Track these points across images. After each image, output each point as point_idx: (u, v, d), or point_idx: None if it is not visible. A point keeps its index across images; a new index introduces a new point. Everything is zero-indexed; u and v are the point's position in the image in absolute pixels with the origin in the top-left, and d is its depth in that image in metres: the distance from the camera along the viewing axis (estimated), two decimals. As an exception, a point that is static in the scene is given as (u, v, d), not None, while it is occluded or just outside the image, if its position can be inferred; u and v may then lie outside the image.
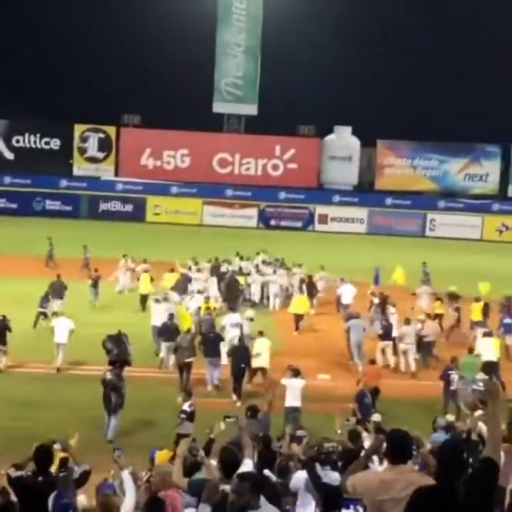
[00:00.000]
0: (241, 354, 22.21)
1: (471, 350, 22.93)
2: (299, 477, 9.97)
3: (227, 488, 7.94)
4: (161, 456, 11.75)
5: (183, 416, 16.80)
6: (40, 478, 9.06)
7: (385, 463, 9.01)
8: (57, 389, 21.87)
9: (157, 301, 27.41)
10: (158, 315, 26.13)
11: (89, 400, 19.59)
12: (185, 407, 17.03)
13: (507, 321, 27.54)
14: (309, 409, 19.27)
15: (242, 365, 21.96)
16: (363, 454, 7.47)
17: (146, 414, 20.06)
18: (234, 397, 21.62)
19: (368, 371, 21.42)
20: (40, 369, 23.56)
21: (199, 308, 28.00)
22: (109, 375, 18.65)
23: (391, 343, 25.58)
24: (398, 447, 6.80)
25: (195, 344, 23.13)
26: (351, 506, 7.78)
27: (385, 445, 7.10)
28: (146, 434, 18.55)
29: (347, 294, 32.66)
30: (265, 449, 11.74)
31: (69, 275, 33.19)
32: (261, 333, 22.92)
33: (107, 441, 17.63)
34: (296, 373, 19.47)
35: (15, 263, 41.51)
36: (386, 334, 25.63)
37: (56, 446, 9.85)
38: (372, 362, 22.15)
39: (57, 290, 29.94)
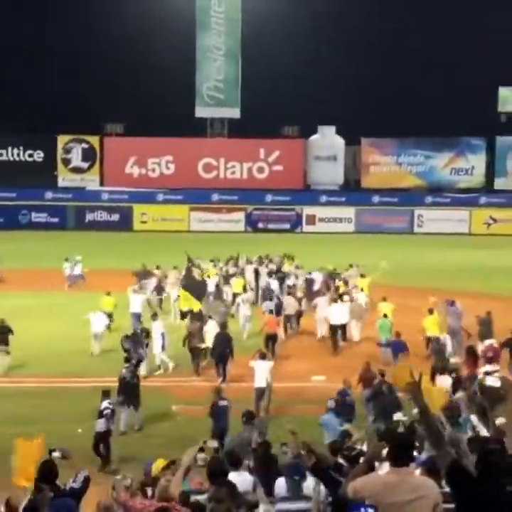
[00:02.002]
0: (223, 340, 23.60)
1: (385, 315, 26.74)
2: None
3: (200, 498, 7.94)
4: (157, 465, 11.59)
5: (106, 412, 17.40)
6: (51, 494, 8.87)
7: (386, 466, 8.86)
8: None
9: (134, 291, 30.73)
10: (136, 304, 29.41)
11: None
12: (105, 404, 17.56)
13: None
14: (304, 411, 19.18)
15: (227, 350, 23.32)
16: (362, 459, 7.32)
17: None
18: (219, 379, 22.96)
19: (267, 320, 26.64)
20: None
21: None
22: (124, 372, 19.60)
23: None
24: (402, 449, 6.70)
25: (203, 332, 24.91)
26: (361, 509, 7.66)
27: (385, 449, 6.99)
28: (140, 444, 18.34)
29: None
30: (265, 454, 11.58)
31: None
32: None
33: (136, 430, 19.31)
34: (263, 356, 21.07)
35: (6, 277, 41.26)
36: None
37: (55, 454, 9.64)
38: None
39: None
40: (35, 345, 27.02)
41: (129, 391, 19.42)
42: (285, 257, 40.58)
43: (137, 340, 22.31)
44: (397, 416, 15.49)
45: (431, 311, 26.40)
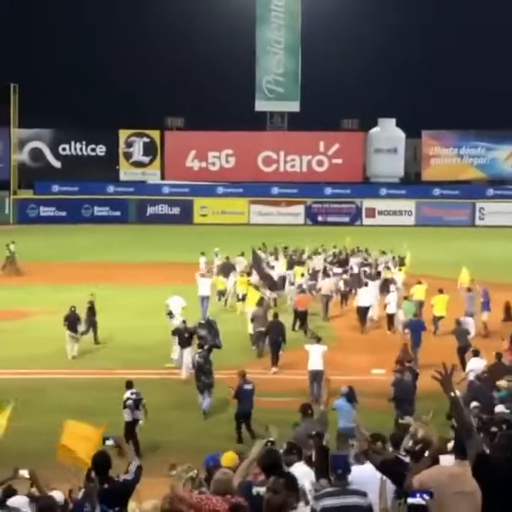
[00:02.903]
0: (276, 328, 24.52)
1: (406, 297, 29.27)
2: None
3: (261, 490, 7.88)
4: (228, 458, 11.34)
5: (129, 403, 17.78)
6: (105, 486, 9.00)
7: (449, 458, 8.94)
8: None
9: (202, 275, 32.90)
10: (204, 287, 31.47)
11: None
12: (128, 394, 17.94)
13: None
14: (364, 404, 19.17)
15: (279, 338, 24.18)
16: (426, 454, 7.41)
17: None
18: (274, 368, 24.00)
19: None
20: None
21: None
22: (197, 358, 20.65)
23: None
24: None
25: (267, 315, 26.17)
26: (417, 495, 7.72)
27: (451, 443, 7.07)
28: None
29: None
30: (319, 445, 11.64)
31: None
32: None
33: (203, 414, 19.96)
34: (318, 340, 21.90)
35: (65, 271, 41.94)
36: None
37: (109, 442, 9.85)
38: None
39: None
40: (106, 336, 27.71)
41: (203, 376, 20.26)
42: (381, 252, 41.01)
43: (211, 327, 23.42)
44: (406, 420, 15.52)
45: (441, 291, 28.60)
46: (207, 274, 33.66)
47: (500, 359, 19.08)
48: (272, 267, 36.00)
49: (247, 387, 18.85)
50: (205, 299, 31.27)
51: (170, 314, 26.23)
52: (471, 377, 18.66)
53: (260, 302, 27.22)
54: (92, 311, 27.22)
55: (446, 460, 8.89)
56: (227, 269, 35.21)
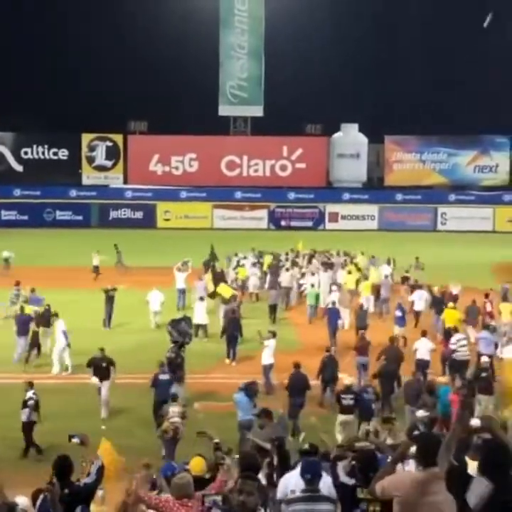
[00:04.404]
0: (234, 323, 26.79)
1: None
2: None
3: (217, 498, 7.84)
4: (196, 464, 11.27)
5: (30, 403, 18.27)
6: (66, 491, 8.92)
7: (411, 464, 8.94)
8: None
9: (179, 269, 34.87)
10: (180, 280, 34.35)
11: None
12: (30, 394, 18.41)
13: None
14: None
15: (235, 333, 26.65)
16: (389, 459, 7.37)
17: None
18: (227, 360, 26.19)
19: None
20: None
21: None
22: (169, 353, 21.61)
23: None
24: (431, 451, 6.77)
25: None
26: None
27: (413, 448, 7.03)
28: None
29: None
30: (280, 450, 11.65)
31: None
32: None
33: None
34: (274, 335, 23.67)
35: (32, 274, 41.57)
36: None
37: (74, 440, 9.85)
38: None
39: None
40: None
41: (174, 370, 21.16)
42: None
43: (184, 325, 24.10)
44: (420, 413, 15.61)
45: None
46: (182, 267, 35.45)
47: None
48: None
49: (164, 377, 19.90)
50: (181, 291, 34.02)
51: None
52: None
53: (232, 298, 29.15)
54: (111, 300, 30.51)
55: (407, 466, 8.92)
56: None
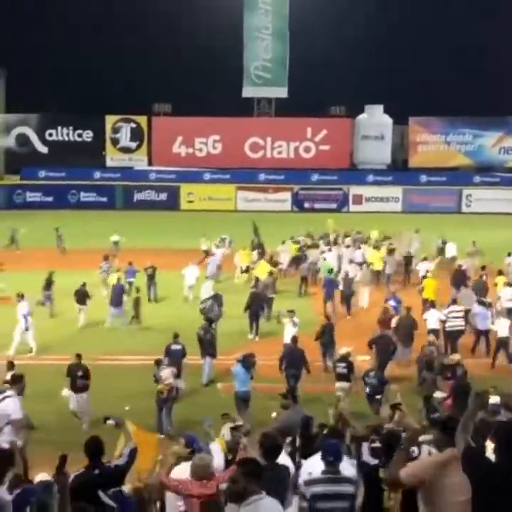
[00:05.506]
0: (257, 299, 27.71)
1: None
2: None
3: None
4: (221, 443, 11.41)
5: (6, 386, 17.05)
6: (96, 471, 9.02)
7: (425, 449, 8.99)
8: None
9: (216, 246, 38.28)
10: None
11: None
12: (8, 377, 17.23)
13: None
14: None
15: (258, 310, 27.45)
16: (401, 446, 7.37)
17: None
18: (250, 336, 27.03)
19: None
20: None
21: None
22: (198, 330, 22.14)
23: None
24: (447, 431, 6.82)
25: None
26: None
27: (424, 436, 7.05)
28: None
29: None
30: (304, 431, 11.70)
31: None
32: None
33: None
34: (292, 314, 24.00)
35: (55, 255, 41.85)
36: None
37: (110, 422, 9.95)
38: None
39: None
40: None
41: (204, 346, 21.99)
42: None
43: (214, 301, 25.42)
44: (438, 395, 15.69)
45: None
46: (220, 244, 38.58)
47: None
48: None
49: (176, 347, 20.43)
50: (217, 267, 35.74)
51: None
52: None
53: (270, 273, 31.33)
54: (152, 277, 32.04)
55: (426, 451, 8.98)
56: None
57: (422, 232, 42.87)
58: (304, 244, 39.65)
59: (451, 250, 39.02)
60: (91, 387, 18.76)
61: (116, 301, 27.94)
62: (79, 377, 18.48)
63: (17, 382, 15.08)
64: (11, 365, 17.90)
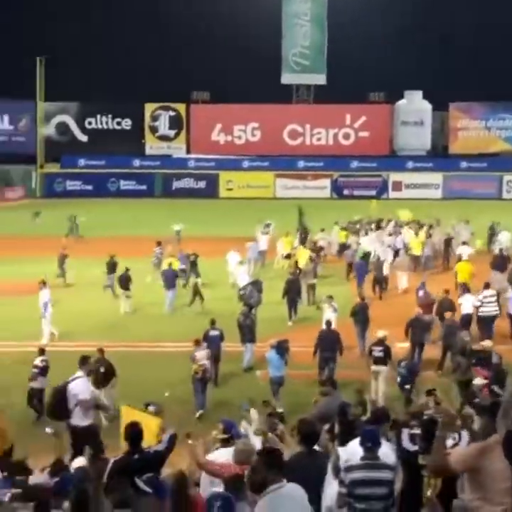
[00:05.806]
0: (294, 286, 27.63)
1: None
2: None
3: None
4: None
5: (35, 370, 17.85)
6: (135, 456, 9.11)
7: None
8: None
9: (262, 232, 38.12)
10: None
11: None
12: (37, 362, 17.95)
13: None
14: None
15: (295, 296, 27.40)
16: (437, 434, 7.33)
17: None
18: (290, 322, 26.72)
19: None
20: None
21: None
22: (238, 315, 22.02)
23: None
24: (491, 418, 6.75)
25: None
26: None
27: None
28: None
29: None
30: (342, 418, 11.69)
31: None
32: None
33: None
34: (331, 300, 23.75)
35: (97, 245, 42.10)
36: None
37: (151, 408, 10.04)
38: None
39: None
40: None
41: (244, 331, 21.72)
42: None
43: (254, 288, 25.21)
44: (477, 381, 15.58)
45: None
46: (264, 230, 38.46)
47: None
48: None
49: (214, 333, 20.18)
50: (262, 253, 36.18)
51: None
52: None
53: (310, 259, 31.14)
54: (195, 265, 31.63)
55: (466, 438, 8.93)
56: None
57: (464, 218, 42.40)
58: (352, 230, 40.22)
59: (504, 238, 38.42)
60: (118, 379, 18.10)
61: (168, 285, 28.38)
62: (101, 373, 17.49)
63: (84, 363, 15.24)
64: (41, 351, 18.40)
